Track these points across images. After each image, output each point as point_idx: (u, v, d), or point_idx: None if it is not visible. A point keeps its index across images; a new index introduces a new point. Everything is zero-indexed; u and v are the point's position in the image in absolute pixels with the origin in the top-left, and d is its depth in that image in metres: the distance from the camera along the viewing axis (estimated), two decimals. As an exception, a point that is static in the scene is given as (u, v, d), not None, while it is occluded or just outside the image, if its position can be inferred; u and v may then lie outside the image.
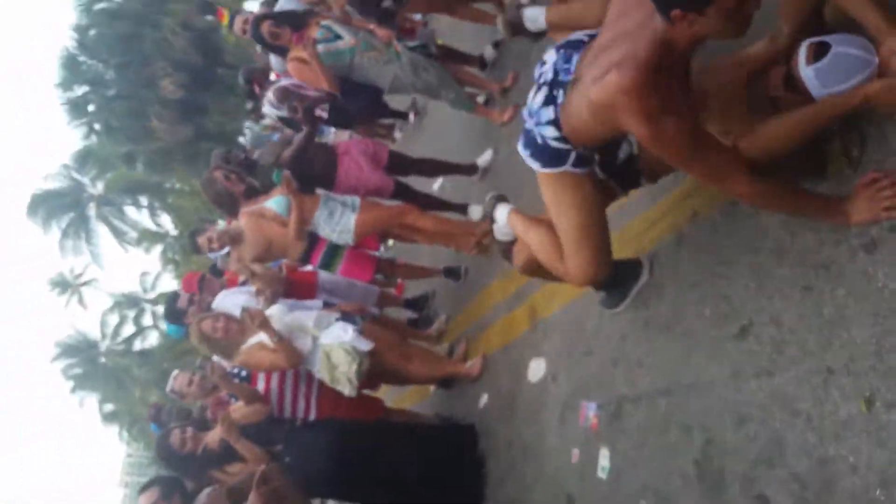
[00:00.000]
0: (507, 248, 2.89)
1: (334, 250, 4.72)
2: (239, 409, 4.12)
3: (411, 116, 8.35)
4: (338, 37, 4.46)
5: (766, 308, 2.25)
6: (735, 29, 1.77)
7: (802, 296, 2.13)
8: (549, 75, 2.17)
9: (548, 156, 2.25)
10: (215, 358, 4.26)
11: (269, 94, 5.59)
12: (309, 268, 5.04)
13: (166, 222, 28.10)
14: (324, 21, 4.51)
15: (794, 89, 2.06)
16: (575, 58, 2.10)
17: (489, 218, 2.92)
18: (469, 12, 5.26)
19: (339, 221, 4.47)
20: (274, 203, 4.48)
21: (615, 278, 2.89)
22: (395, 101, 7.25)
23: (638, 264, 2.89)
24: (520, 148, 2.37)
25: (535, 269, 2.76)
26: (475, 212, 4.98)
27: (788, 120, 2.00)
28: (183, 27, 20.95)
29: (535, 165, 2.33)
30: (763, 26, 2.13)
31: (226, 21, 8.16)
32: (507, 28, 2.82)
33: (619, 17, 1.95)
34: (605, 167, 2.41)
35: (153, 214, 28.00)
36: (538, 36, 2.95)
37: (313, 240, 4.65)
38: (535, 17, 2.74)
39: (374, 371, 4.07)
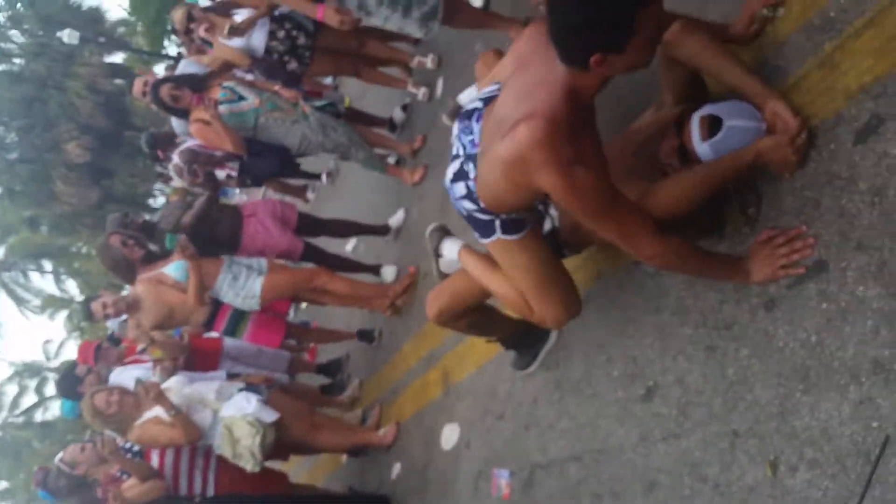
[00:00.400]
0: None
1: (240, 315, 4.54)
2: (133, 486, 3.83)
3: (324, 177, 8.28)
4: (241, 98, 4.38)
5: (671, 369, 2.22)
6: (645, 60, 1.75)
7: (706, 356, 2.11)
8: (459, 150, 2.12)
9: (478, 227, 2.18)
10: (107, 432, 3.96)
11: (175, 158, 5.43)
12: (214, 334, 4.80)
13: (72, 287, 26.97)
14: (226, 83, 4.42)
15: (689, 163, 2.08)
16: (476, 127, 2.04)
17: (433, 250, 2.81)
18: (377, 76, 5.25)
19: (243, 286, 4.30)
20: (172, 269, 4.29)
21: (525, 340, 2.84)
22: (308, 163, 7.18)
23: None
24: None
25: (448, 321, 2.65)
26: (388, 272, 4.90)
27: (686, 181, 2.00)
28: (89, 90, 20.50)
29: (475, 235, 2.26)
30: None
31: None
32: (451, 117, 2.80)
33: (516, 73, 1.91)
34: None
35: (58, 280, 26.84)
36: None
37: (217, 304, 4.46)
38: (471, 98, 2.73)
39: (281, 442, 3.87)
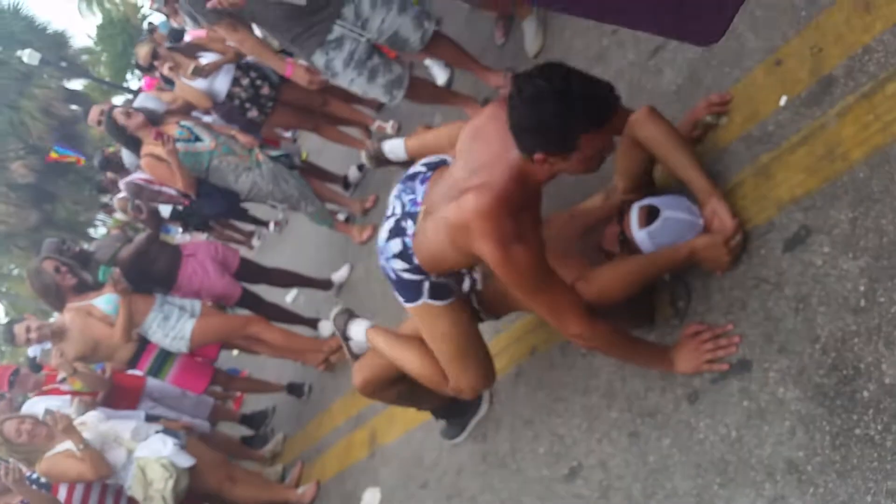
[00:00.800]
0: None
1: (166, 356, 4.43)
2: None
3: (272, 226, 8.25)
4: (198, 139, 4.36)
5: (595, 451, 2.25)
6: (588, 170, 1.84)
7: (630, 442, 2.15)
8: (397, 209, 2.17)
9: (405, 289, 2.22)
10: (12, 460, 3.78)
11: (122, 188, 5.37)
12: (137, 373, 4.66)
13: (-1, 310, 25.85)
14: (184, 122, 4.40)
15: (628, 249, 2.17)
16: (420, 188, 2.10)
17: (341, 334, 2.80)
18: (336, 134, 5.31)
19: (174, 326, 4.21)
20: (103, 301, 4.17)
21: (455, 410, 2.85)
22: (259, 210, 7.15)
23: (479, 396, 2.86)
24: (391, 287, 2.33)
25: (374, 391, 2.66)
26: (326, 327, 4.85)
27: (622, 268, 2.07)
28: (43, 112, 20.11)
29: (400, 300, 2.29)
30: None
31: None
32: (370, 160, 2.85)
33: (472, 146, 1.99)
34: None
35: (-19, 300, 25.74)
36: (405, 164, 3.01)
37: (144, 343, 4.35)
38: (395, 148, 2.78)
39: (194, 491, 3.74)
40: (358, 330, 2.72)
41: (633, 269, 2.05)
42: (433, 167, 2.12)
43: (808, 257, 1.83)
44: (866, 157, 1.77)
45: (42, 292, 4.39)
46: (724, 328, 1.97)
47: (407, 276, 2.17)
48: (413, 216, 2.10)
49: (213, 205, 4.86)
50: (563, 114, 1.66)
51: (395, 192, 2.21)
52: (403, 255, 2.13)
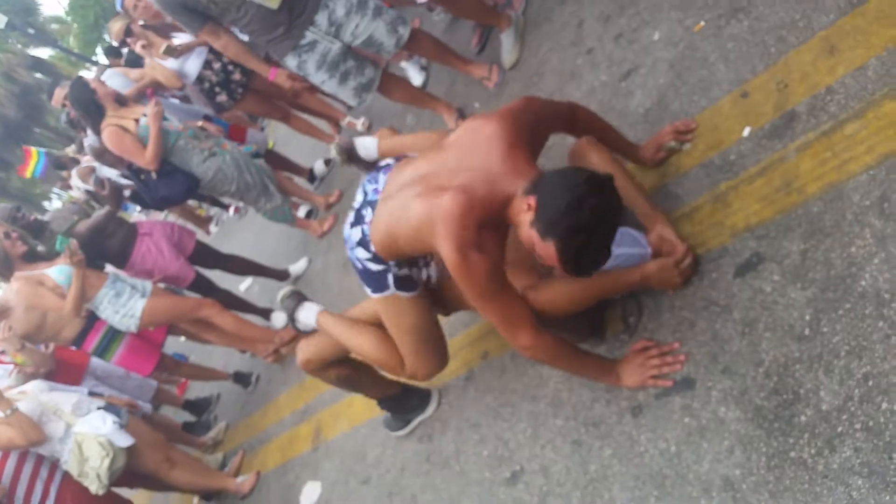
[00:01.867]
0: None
1: (113, 336, 4.35)
2: None
3: (231, 210, 8.16)
4: (165, 118, 4.29)
5: (538, 456, 2.29)
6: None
7: (572, 450, 2.19)
8: (360, 198, 2.21)
9: (371, 280, 2.25)
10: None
11: (74, 173, 5.28)
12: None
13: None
14: (154, 100, 4.30)
15: None
16: (382, 178, 2.14)
17: (288, 316, 2.80)
18: (304, 125, 5.30)
19: (124, 304, 4.14)
20: (56, 271, 4.09)
21: (402, 404, 2.87)
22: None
23: (428, 395, 2.89)
24: (357, 275, 2.34)
25: (315, 370, 2.67)
26: (278, 319, 4.82)
27: (574, 285, 2.11)
28: (5, 77, 19.58)
29: (367, 290, 2.32)
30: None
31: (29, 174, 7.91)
32: (340, 153, 2.85)
33: (454, 149, 2.00)
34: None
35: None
36: (370, 165, 3.01)
37: (91, 321, 4.26)
38: (367, 146, 2.80)
39: (131, 470, 3.68)
40: (308, 314, 2.73)
41: (584, 288, 2.09)
42: (398, 159, 2.15)
43: (758, 284, 1.89)
44: (821, 191, 1.85)
45: None
46: (671, 346, 2.03)
47: (371, 265, 2.19)
48: (372, 204, 2.13)
49: (173, 184, 4.76)
50: (585, 250, 1.74)
51: (361, 183, 2.23)
52: (363, 242, 2.16)
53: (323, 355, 2.62)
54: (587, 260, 1.76)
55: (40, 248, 4.39)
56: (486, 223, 1.86)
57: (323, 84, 3.40)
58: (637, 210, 2.14)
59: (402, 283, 2.24)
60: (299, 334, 2.80)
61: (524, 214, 1.79)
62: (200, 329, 4.62)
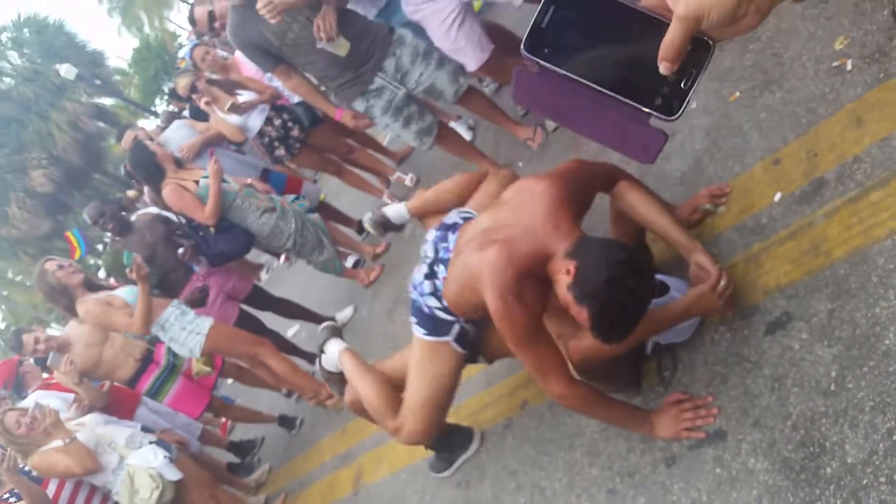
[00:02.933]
0: (330, 377, 3.01)
1: (166, 378, 4.56)
2: None
3: (282, 259, 8.42)
4: (223, 180, 4.49)
5: (574, 504, 2.36)
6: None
7: (607, 498, 2.27)
8: (430, 253, 2.39)
9: (433, 324, 2.41)
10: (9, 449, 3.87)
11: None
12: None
13: (-6, 313, 25.89)
14: (214, 158, 4.51)
15: None
16: (452, 237, 2.32)
17: (318, 346, 3.01)
18: (355, 179, 5.55)
19: (192, 322, 4.31)
20: (125, 292, 4.31)
21: (447, 443, 2.98)
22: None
23: (471, 435, 3.01)
24: (411, 315, 2.50)
25: (360, 410, 2.82)
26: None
27: None
28: (70, 126, 20.53)
29: (419, 332, 2.47)
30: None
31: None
32: (375, 227, 3.05)
33: (518, 201, 2.15)
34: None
35: (-18, 302, 25.79)
36: (402, 227, 3.21)
37: (145, 363, 4.48)
38: (397, 213, 2.99)
39: (176, 505, 3.81)
40: (333, 349, 2.93)
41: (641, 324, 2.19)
42: (465, 219, 2.33)
43: (787, 341, 1.98)
44: (847, 255, 1.94)
45: (49, 293, 4.38)
46: (704, 399, 2.11)
47: (441, 314, 2.36)
48: (445, 262, 2.31)
49: (231, 240, 4.94)
50: (617, 322, 1.87)
51: (429, 237, 2.42)
52: (436, 295, 2.34)
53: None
54: (617, 330, 1.89)
55: (93, 277, 4.60)
56: (528, 275, 2.00)
57: (387, 128, 3.64)
58: (674, 242, 2.22)
59: (460, 337, 2.40)
60: (320, 363, 2.97)
61: (563, 276, 1.92)
62: (253, 364, 4.75)
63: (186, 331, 4.29)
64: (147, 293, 4.17)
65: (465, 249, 2.20)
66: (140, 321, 4.17)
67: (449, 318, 2.37)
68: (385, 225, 3.00)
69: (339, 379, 2.96)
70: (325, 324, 3.09)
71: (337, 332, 3.04)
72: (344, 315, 5.34)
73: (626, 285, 1.83)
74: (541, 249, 1.99)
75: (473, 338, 2.47)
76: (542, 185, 2.10)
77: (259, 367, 4.66)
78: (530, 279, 2.01)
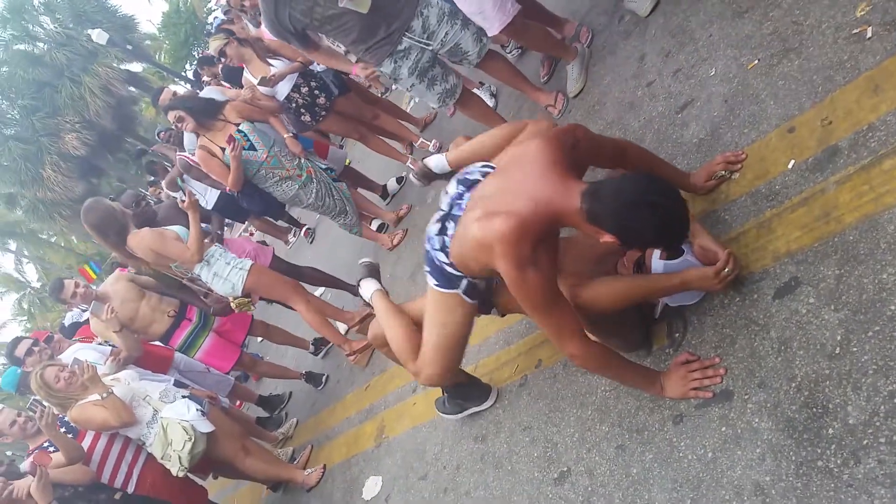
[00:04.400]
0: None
1: (198, 334, 4.72)
2: (60, 467, 3.88)
3: (302, 232, 8.60)
4: (252, 147, 4.60)
5: (584, 459, 2.45)
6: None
7: (616, 454, 2.35)
8: (445, 207, 2.42)
9: (443, 277, 2.47)
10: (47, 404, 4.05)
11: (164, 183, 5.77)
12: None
13: (30, 273, 26.54)
14: (243, 126, 4.61)
15: (639, 272, 2.38)
16: (467, 195, 2.35)
17: (357, 279, 3.18)
18: (381, 145, 5.62)
19: (235, 258, 4.51)
20: (177, 228, 4.48)
21: (465, 392, 3.10)
22: (295, 211, 7.41)
23: (488, 391, 3.12)
24: (425, 264, 2.57)
25: (382, 345, 2.96)
26: (341, 326, 5.11)
27: (617, 284, 2.29)
28: (103, 90, 20.76)
29: (431, 282, 2.54)
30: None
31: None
32: (421, 178, 3.10)
33: (511, 167, 2.21)
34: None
35: (18, 261, 26.40)
36: (449, 175, 3.26)
37: (178, 319, 4.64)
38: (439, 164, 3.02)
39: (208, 456, 3.98)
40: (367, 288, 3.09)
41: (626, 287, 2.26)
42: (486, 174, 2.36)
43: (794, 305, 2.03)
44: (857, 222, 1.97)
45: (100, 225, 4.39)
46: (712, 360, 2.17)
47: (449, 269, 2.42)
48: (456, 219, 2.34)
49: (253, 203, 5.12)
50: (648, 231, 1.92)
51: (450, 188, 2.43)
52: (444, 251, 2.39)
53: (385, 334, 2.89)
54: (670, 239, 2.00)
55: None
56: (537, 238, 2.05)
57: (412, 88, 3.67)
58: None
59: (470, 290, 2.48)
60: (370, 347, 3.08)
61: (597, 235, 2.00)
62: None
63: (230, 266, 4.45)
64: (198, 221, 4.32)
65: (469, 214, 2.24)
66: (195, 246, 4.33)
67: (457, 273, 2.43)
68: (428, 175, 3.06)
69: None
70: (365, 259, 3.23)
71: (374, 270, 3.17)
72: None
73: (650, 194, 1.91)
74: (545, 209, 2.04)
75: (483, 291, 2.55)
76: (536, 145, 2.14)
77: (299, 303, 4.72)
78: (541, 243, 2.07)
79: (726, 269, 2.16)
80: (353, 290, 5.41)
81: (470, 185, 2.37)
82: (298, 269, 5.36)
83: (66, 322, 6.77)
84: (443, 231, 2.40)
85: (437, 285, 2.51)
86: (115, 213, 4.41)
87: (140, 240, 4.37)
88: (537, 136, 2.22)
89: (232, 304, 4.61)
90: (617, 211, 1.93)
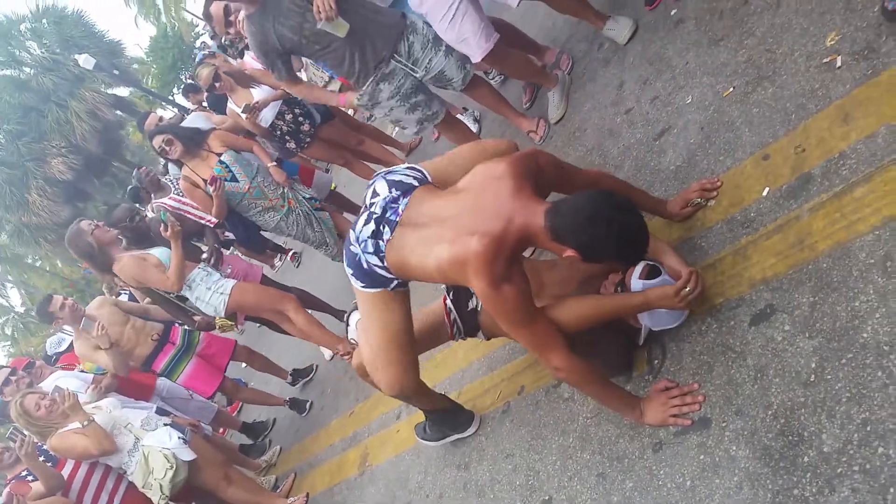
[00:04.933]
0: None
1: (180, 358, 4.69)
2: (38, 498, 3.83)
3: (288, 257, 8.60)
4: (234, 178, 4.61)
5: (566, 487, 2.45)
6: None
7: (597, 482, 2.34)
8: (378, 210, 2.38)
9: (371, 279, 2.44)
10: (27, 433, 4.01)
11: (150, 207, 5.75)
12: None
13: (14, 297, 26.37)
14: (224, 157, 4.61)
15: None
16: (403, 201, 2.34)
17: (346, 316, 3.16)
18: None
19: (216, 282, 4.49)
20: (158, 251, 4.48)
21: (448, 420, 3.08)
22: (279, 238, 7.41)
23: (471, 418, 3.11)
24: (345, 266, 2.54)
25: (366, 375, 2.90)
26: (326, 354, 5.10)
27: (587, 301, 2.29)
28: (89, 115, 20.75)
29: (357, 284, 2.50)
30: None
31: None
32: None
33: (478, 189, 2.21)
34: (457, 307, 2.68)
35: (2, 286, 26.22)
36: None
37: (161, 344, 4.62)
38: None
39: (190, 485, 3.94)
40: (354, 318, 3.10)
41: (591, 306, 2.27)
42: (420, 181, 2.37)
43: (770, 333, 2.04)
44: (830, 249, 2.00)
45: (85, 252, 4.47)
46: (691, 387, 2.18)
47: (380, 272, 2.39)
48: (392, 225, 2.32)
49: (235, 230, 5.13)
50: (607, 245, 1.97)
51: (380, 189, 2.40)
52: (378, 255, 2.35)
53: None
54: (630, 252, 2.04)
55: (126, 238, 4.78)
56: (510, 256, 2.08)
57: (391, 111, 3.66)
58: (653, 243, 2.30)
59: (400, 285, 2.45)
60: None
61: (559, 251, 2.03)
62: (279, 319, 4.83)
63: (211, 290, 4.45)
64: (180, 250, 4.32)
65: (425, 230, 2.23)
66: (175, 276, 4.33)
67: (388, 275, 2.39)
68: None
69: None
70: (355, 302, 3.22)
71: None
72: (356, 316, 5.44)
73: (606, 209, 1.95)
74: (515, 227, 2.07)
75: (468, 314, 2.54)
76: (501, 167, 2.17)
77: (287, 322, 4.76)
78: (513, 259, 2.10)
79: (687, 288, 2.18)
80: (340, 314, 5.41)
81: (405, 189, 2.36)
82: (286, 291, 5.34)
83: (49, 351, 6.71)
84: (376, 235, 2.35)
85: (363, 287, 2.47)
86: (92, 245, 4.43)
87: (122, 268, 4.40)
88: (503, 159, 2.23)
89: (216, 324, 4.60)
90: (576, 226, 1.98)
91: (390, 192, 2.37)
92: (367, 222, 2.38)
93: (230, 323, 4.61)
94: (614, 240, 1.96)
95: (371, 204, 2.41)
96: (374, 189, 2.44)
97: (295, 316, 4.62)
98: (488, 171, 2.21)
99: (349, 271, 2.50)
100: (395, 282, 2.42)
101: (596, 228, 1.95)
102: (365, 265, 2.41)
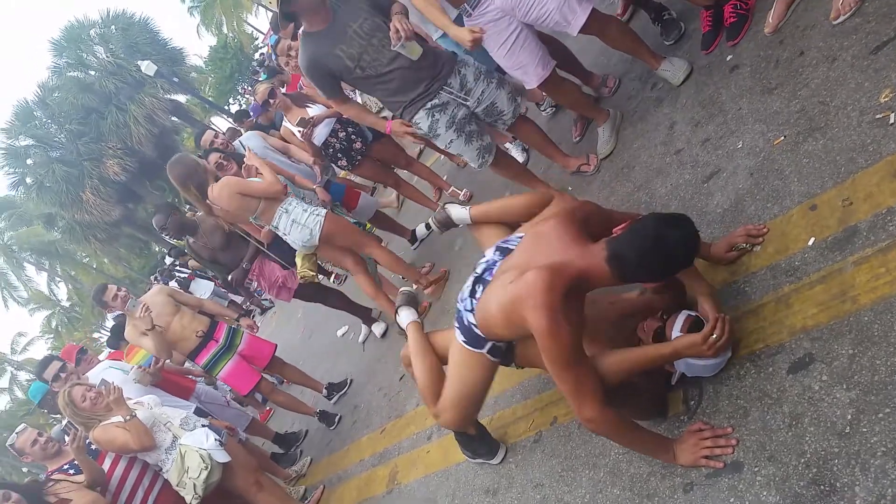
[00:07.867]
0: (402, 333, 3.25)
1: (222, 355, 4.86)
2: (78, 494, 3.94)
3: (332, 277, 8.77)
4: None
5: (593, 521, 2.46)
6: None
7: (625, 517, 2.36)
8: (479, 271, 2.56)
9: (470, 335, 2.59)
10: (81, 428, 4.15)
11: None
12: (195, 367, 5.13)
13: (61, 291, 27.08)
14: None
15: (659, 342, 2.42)
16: (499, 262, 2.48)
17: (395, 308, 3.29)
18: (413, 192, 5.74)
19: (312, 204, 4.60)
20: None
21: (473, 445, 3.16)
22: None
23: (497, 448, 3.16)
24: (455, 321, 2.69)
25: (411, 365, 3.05)
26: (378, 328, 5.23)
27: (619, 355, 2.32)
28: (147, 119, 21.43)
29: (459, 338, 2.65)
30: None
31: None
32: (438, 225, 3.18)
33: (539, 237, 2.37)
34: None
35: (51, 280, 26.95)
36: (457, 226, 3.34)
37: (205, 340, 4.79)
38: (460, 215, 3.10)
39: (223, 488, 4.02)
40: (404, 316, 3.20)
41: (623, 360, 2.30)
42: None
43: (807, 381, 2.05)
44: (873, 303, 2.01)
45: (184, 173, 4.54)
46: (725, 430, 2.19)
47: (476, 330, 2.54)
48: (485, 284, 2.48)
49: (281, 250, 5.27)
50: (675, 261, 2.15)
51: (487, 252, 2.62)
52: (473, 313, 2.52)
53: None
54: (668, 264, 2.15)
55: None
56: (571, 294, 2.15)
57: (450, 144, 3.70)
58: (692, 285, 2.41)
59: (494, 351, 2.60)
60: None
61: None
62: (356, 263, 4.88)
63: (307, 212, 4.48)
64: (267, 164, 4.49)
65: (498, 281, 2.37)
66: (271, 178, 4.42)
67: (480, 334, 2.53)
68: (445, 223, 3.15)
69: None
70: (406, 288, 3.39)
71: (413, 300, 3.28)
72: (379, 328, 5.57)
73: (663, 236, 2.09)
74: (577, 270, 2.17)
75: (506, 350, 2.65)
76: (554, 221, 2.35)
77: (359, 273, 4.83)
78: (573, 301, 2.16)
79: (714, 335, 2.19)
80: (371, 320, 5.55)
81: (505, 253, 2.50)
82: (324, 291, 5.53)
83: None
84: (473, 294, 2.52)
85: (464, 342, 2.62)
86: (198, 169, 4.56)
87: (221, 187, 4.45)
88: (557, 212, 2.41)
89: (298, 272, 4.70)
90: (640, 262, 2.11)
91: (493, 256, 2.56)
92: (470, 283, 2.58)
93: (312, 273, 4.68)
94: (681, 252, 2.13)
95: (477, 265, 2.61)
96: (485, 253, 2.64)
97: (379, 253, 4.74)
98: (542, 226, 2.40)
99: (455, 325, 2.67)
100: (490, 345, 2.58)
101: (659, 253, 2.09)
102: (466, 322, 2.58)
